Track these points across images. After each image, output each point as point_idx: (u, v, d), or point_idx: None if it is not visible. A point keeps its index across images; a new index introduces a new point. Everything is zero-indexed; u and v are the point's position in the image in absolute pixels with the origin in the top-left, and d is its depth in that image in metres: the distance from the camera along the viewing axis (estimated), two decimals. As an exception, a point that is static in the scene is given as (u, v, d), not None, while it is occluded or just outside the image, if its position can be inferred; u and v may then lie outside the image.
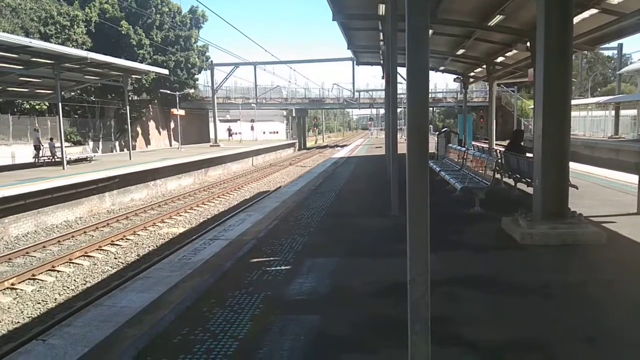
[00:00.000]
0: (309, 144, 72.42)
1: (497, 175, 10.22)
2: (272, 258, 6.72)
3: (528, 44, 13.78)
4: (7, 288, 9.89)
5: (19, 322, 8.54)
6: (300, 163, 38.79)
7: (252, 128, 59.50)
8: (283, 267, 6.27)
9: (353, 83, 57.29)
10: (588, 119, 39.91)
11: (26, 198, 14.63)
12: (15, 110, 34.64)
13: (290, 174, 30.88)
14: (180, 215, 17.29)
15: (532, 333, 4.18)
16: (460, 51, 18.28)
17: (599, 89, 62.58)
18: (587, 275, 5.76)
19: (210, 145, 43.37)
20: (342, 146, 53.67)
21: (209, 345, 4.10)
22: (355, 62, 43.48)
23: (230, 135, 56.79)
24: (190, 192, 22.92)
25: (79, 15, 38.02)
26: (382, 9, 12.96)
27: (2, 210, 13.79)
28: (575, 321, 4.44)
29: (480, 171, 10.79)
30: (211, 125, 52.21)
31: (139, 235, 14.42)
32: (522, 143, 12.42)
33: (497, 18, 12.80)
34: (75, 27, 37.15)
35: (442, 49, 18.95)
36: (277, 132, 78.95)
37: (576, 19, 10.64)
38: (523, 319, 4.51)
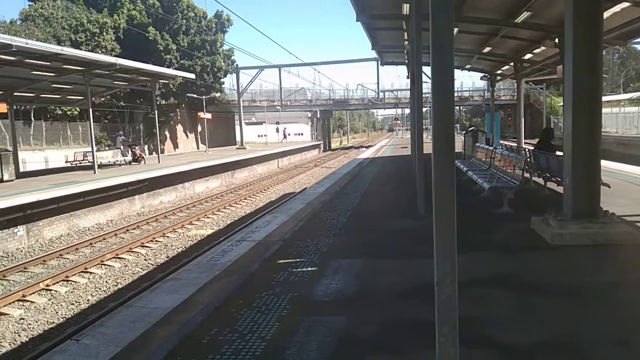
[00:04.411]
0: (333, 145, 72.42)
1: (526, 175, 10.03)
2: (298, 259, 6.75)
3: (556, 40, 13.50)
4: (43, 289, 10.18)
5: (53, 322, 8.78)
6: (326, 164, 38.81)
7: (277, 130, 59.85)
8: (309, 269, 6.29)
9: (377, 83, 57.16)
10: (620, 115, 38.78)
11: (59, 202, 15.04)
12: (48, 116, 35.61)
13: (316, 175, 30.95)
14: (208, 217, 17.51)
15: (563, 335, 4.10)
16: (487, 49, 17.99)
17: (631, 85, 60.73)
18: (619, 276, 5.61)
19: (237, 148, 43.80)
20: (367, 147, 53.51)
21: (237, 345, 4.15)
22: (379, 62, 43.20)
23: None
24: (218, 194, 23.20)
25: (108, 22, 38.84)
26: (406, 8, 12.87)
27: (37, 213, 14.20)
28: (607, 323, 4.33)
29: (509, 170, 10.61)
30: (237, 128, 52.69)
31: (168, 237, 14.67)
32: (552, 141, 12.17)
33: (524, 15, 12.56)
34: (105, 34, 37.94)
35: (467, 47, 18.70)
36: (302, 134, 79.01)
37: (606, 13, 10.35)
38: (553, 321, 4.42)
